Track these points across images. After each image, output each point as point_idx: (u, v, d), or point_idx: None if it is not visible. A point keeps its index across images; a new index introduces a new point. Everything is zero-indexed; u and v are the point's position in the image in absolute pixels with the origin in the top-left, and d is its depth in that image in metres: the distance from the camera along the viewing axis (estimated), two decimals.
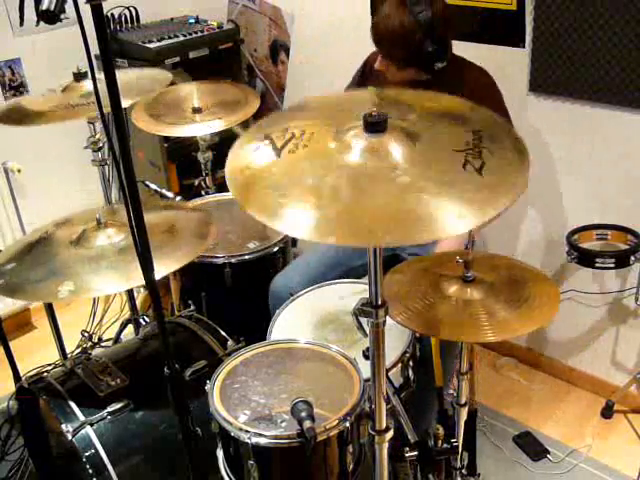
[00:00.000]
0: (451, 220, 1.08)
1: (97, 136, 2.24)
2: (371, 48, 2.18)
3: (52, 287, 1.61)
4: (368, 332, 1.30)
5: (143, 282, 1.28)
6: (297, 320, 1.92)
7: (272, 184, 1.19)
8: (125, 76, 2.21)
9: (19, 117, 2.04)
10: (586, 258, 2.22)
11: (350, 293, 1.99)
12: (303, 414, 1.39)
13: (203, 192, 2.62)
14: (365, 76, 2.26)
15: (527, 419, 2.52)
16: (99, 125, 2.20)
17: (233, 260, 2.21)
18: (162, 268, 1.58)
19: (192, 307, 2.12)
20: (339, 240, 1.09)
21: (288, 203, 1.13)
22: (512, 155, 1.24)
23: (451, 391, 1.78)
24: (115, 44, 2.98)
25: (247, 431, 1.42)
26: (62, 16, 1.15)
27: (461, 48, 2.15)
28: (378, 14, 1.98)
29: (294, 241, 2.38)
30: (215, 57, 3.11)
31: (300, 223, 1.11)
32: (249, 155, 1.28)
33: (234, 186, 1.23)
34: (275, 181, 1.19)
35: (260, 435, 1.41)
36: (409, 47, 1.94)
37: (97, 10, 1.05)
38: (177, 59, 2.98)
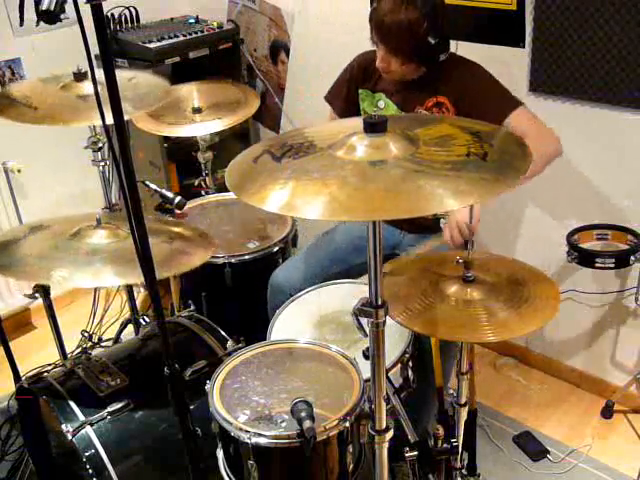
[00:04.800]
0: (460, 195, 1.12)
1: (97, 136, 2.24)
2: (372, 46, 2.19)
3: (46, 270, 1.63)
4: (368, 332, 1.30)
5: (139, 279, 1.28)
6: (297, 320, 1.92)
7: (275, 180, 1.21)
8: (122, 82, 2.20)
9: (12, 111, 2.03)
10: (586, 258, 2.22)
11: (350, 293, 1.98)
12: (303, 414, 1.39)
13: (203, 192, 2.62)
14: (352, 79, 2.23)
15: (527, 419, 2.52)
16: (99, 125, 2.20)
17: (233, 260, 2.21)
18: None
19: (192, 307, 2.12)
20: (350, 217, 1.16)
21: (297, 192, 1.16)
22: (512, 146, 1.28)
23: (451, 391, 1.78)
24: (115, 44, 2.98)
25: (247, 431, 1.42)
26: (62, 16, 1.15)
27: (461, 48, 2.15)
28: (380, 9, 1.95)
29: (294, 241, 2.38)
30: (215, 57, 3.11)
31: (311, 206, 1.13)
32: (247, 164, 1.31)
33: (235, 187, 1.24)
34: (278, 177, 1.22)
35: (260, 435, 1.41)
36: (415, 40, 1.93)
37: (97, 10, 1.05)
38: (177, 59, 2.98)
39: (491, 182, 1.15)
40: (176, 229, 2.00)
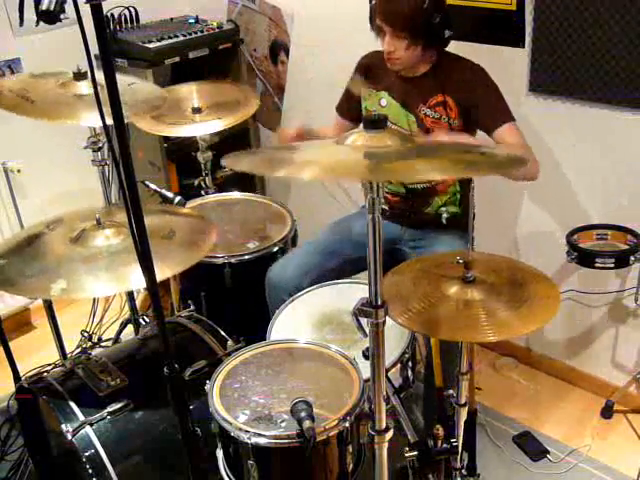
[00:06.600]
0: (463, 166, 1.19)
1: (97, 136, 2.24)
2: (371, 47, 2.19)
3: (45, 283, 1.60)
4: (368, 332, 1.30)
5: (138, 285, 1.28)
6: (297, 320, 1.92)
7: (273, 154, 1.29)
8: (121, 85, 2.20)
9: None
10: (586, 258, 2.22)
11: (350, 293, 1.99)
12: (303, 414, 1.39)
13: (203, 192, 2.62)
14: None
15: (527, 419, 2.52)
16: (99, 125, 2.20)
17: (233, 260, 2.21)
18: (159, 274, 1.56)
19: (192, 307, 2.12)
20: (347, 175, 1.26)
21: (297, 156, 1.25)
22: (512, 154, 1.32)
23: (451, 391, 1.78)
24: (115, 44, 2.98)
25: (247, 431, 1.42)
26: (62, 16, 1.15)
27: (461, 48, 2.15)
28: None
29: (294, 241, 2.38)
30: (215, 57, 3.11)
31: (309, 167, 1.20)
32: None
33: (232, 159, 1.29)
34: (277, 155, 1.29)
35: (260, 435, 1.41)
36: (419, 19, 1.94)
37: (97, 10, 1.05)
38: (177, 59, 2.98)
39: (488, 166, 1.19)
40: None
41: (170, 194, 2.19)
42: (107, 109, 1.16)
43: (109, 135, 1.25)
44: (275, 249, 2.27)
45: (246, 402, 1.51)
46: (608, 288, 2.45)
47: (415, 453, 1.67)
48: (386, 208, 2.23)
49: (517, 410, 2.56)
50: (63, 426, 1.65)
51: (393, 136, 1.25)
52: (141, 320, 2.51)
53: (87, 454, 1.64)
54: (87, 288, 1.63)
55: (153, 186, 2.23)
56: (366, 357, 1.40)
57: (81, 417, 1.68)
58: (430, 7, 1.93)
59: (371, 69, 2.21)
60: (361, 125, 1.28)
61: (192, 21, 3.18)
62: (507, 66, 2.37)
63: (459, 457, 1.81)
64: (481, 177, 2.08)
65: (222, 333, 1.97)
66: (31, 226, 1.89)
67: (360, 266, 2.13)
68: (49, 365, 2.21)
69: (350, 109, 2.30)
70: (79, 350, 2.37)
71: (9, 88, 2.03)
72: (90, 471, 1.62)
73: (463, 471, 1.88)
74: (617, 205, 2.32)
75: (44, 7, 1.14)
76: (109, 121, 1.16)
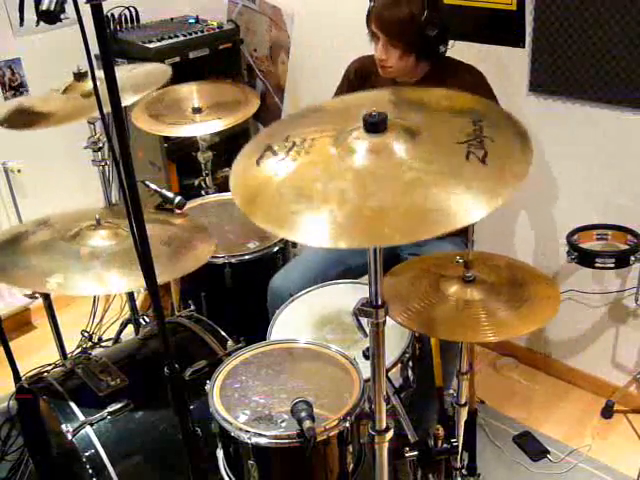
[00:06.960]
0: (461, 211, 1.09)
1: (97, 136, 2.24)
2: (372, 47, 2.19)
3: (41, 276, 1.62)
4: (368, 332, 1.30)
5: (136, 285, 1.28)
6: (297, 320, 1.92)
7: (278, 193, 1.18)
8: (123, 73, 2.21)
9: (24, 121, 2.04)
10: (586, 258, 2.22)
11: (350, 293, 1.98)
12: (303, 414, 1.39)
13: (203, 192, 2.62)
14: (350, 85, 2.25)
15: (527, 419, 2.52)
16: (99, 125, 2.20)
17: (233, 260, 2.21)
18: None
19: (192, 307, 2.12)
20: (351, 244, 1.07)
21: (297, 211, 1.12)
22: (514, 140, 1.24)
23: (451, 391, 1.78)
24: (115, 44, 2.98)
25: (247, 431, 1.42)
26: (62, 16, 1.15)
27: (461, 48, 2.15)
28: (380, 1, 1.99)
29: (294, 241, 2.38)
30: (215, 57, 3.11)
31: (311, 231, 1.10)
32: (252, 168, 1.27)
33: (241, 199, 1.22)
34: (281, 190, 1.18)
35: (260, 435, 1.41)
36: (415, 31, 1.95)
37: (97, 10, 1.05)
38: (177, 59, 2.98)
39: (489, 194, 1.13)
40: (176, 222, 2.00)
41: (170, 194, 2.19)
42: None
43: (109, 135, 1.25)
44: (275, 249, 2.27)
45: (246, 402, 1.51)
46: (608, 288, 2.45)
47: (415, 453, 1.67)
48: None
49: (517, 410, 2.56)
50: (63, 426, 1.65)
51: (397, 137, 1.22)
52: (141, 320, 2.51)
53: (87, 454, 1.64)
54: (83, 285, 1.65)
55: (153, 186, 2.22)
56: (366, 357, 1.40)
57: (81, 417, 1.68)
58: (427, 20, 1.93)
59: (364, 74, 2.21)
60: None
61: (192, 21, 3.19)
62: (507, 66, 2.37)
63: (459, 457, 1.81)
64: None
65: (222, 333, 1.97)
66: (29, 221, 1.90)
67: (362, 272, 2.12)
68: (49, 365, 2.21)
69: None
70: (79, 350, 2.36)
71: (24, 108, 2.05)
72: (90, 471, 1.63)
73: (463, 471, 1.88)
74: (617, 205, 2.32)
75: (44, 7, 1.14)
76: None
